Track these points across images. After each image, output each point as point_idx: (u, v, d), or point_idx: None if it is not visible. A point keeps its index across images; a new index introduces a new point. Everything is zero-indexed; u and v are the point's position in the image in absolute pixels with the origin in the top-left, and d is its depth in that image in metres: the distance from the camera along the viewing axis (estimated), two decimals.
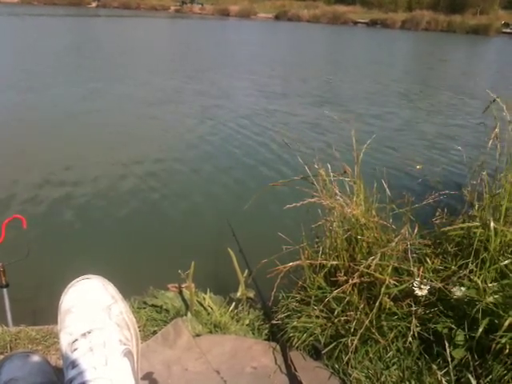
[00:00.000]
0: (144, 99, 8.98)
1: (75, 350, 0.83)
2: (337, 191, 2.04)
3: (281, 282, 1.95)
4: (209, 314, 2.25)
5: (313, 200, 1.99)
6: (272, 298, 2.03)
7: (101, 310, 0.88)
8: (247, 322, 2.22)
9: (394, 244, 1.87)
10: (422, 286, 1.71)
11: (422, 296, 1.72)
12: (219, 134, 6.99)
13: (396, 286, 1.78)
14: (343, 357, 1.79)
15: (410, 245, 1.90)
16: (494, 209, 1.91)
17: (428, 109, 9.61)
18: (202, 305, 2.30)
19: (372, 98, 10.18)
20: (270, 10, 39.42)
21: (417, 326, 1.72)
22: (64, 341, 0.86)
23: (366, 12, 38.57)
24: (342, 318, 1.84)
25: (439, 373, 1.59)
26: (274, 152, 6.18)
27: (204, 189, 5.07)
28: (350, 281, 1.84)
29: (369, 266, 1.78)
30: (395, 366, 1.72)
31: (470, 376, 1.53)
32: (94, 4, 39.16)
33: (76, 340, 0.84)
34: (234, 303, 2.36)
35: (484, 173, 1.99)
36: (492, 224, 1.74)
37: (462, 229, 1.92)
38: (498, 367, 1.51)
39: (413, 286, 1.74)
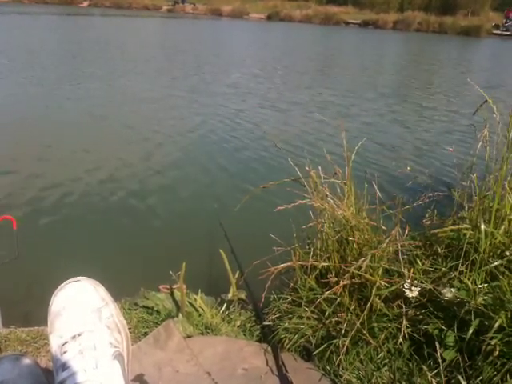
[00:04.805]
0: (128, 96, 8.95)
1: (65, 352, 0.83)
2: (327, 193, 2.05)
3: (272, 283, 1.95)
4: (200, 315, 2.24)
5: (303, 202, 2.00)
6: (263, 300, 2.03)
7: (91, 312, 0.88)
8: (238, 323, 2.22)
9: (384, 245, 1.88)
10: (413, 288, 1.72)
11: (413, 297, 1.73)
12: (210, 136, 6.97)
13: (387, 287, 1.80)
14: (334, 358, 1.79)
15: (401, 246, 1.91)
16: (484, 211, 1.93)
17: (418, 110, 9.64)
18: (193, 306, 2.30)
19: (360, 100, 10.21)
20: (262, 10, 39.35)
21: (407, 327, 1.73)
22: (54, 343, 0.86)
23: (357, 12, 38.63)
24: (333, 320, 1.85)
25: (430, 374, 1.60)
26: (265, 153, 6.18)
27: (195, 189, 5.05)
28: (341, 282, 1.84)
29: (359, 268, 1.79)
30: (386, 367, 1.73)
31: (460, 377, 1.54)
32: (85, 3, 38.92)
33: (66, 342, 0.84)
34: (225, 304, 2.35)
35: (474, 175, 2.01)
36: (482, 226, 1.75)
37: (452, 231, 1.94)
38: (488, 368, 1.52)
39: (403, 287, 1.75)
